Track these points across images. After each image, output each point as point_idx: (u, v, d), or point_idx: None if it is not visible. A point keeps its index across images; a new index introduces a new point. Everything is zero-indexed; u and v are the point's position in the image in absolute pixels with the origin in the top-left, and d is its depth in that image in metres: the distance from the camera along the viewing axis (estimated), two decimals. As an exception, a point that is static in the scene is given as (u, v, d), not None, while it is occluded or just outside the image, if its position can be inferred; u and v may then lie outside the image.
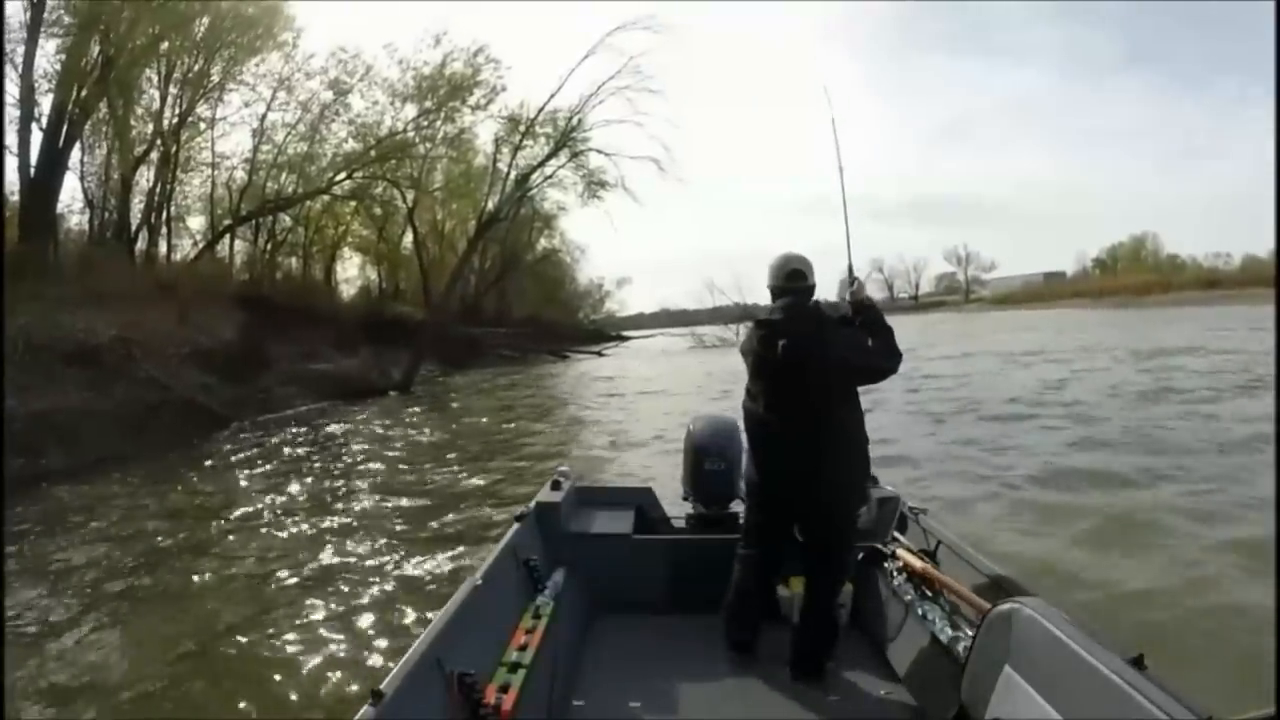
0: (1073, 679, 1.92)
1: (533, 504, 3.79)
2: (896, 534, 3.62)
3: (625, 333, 71.38)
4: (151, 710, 3.97)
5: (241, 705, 4.03)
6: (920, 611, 3.06)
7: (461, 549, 6.42)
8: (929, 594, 3.11)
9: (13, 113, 18.71)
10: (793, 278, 3.18)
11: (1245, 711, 1.57)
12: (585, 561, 3.64)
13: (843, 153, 3.64)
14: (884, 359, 3.06)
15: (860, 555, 3.60)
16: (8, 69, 18.55)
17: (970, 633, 2.61)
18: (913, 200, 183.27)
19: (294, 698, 4.09)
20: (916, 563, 3.25)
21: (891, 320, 3.18)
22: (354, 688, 4.14)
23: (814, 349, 3.01)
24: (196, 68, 24.09)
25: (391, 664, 4.19)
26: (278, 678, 4.31)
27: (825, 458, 3.03)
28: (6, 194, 19.21)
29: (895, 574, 3.34)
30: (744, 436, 3.40)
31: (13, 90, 18.72)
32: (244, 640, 4.83)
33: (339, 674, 4.32)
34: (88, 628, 5.11)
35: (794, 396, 3.05)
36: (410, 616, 5.12)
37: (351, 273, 41.02)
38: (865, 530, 3.70)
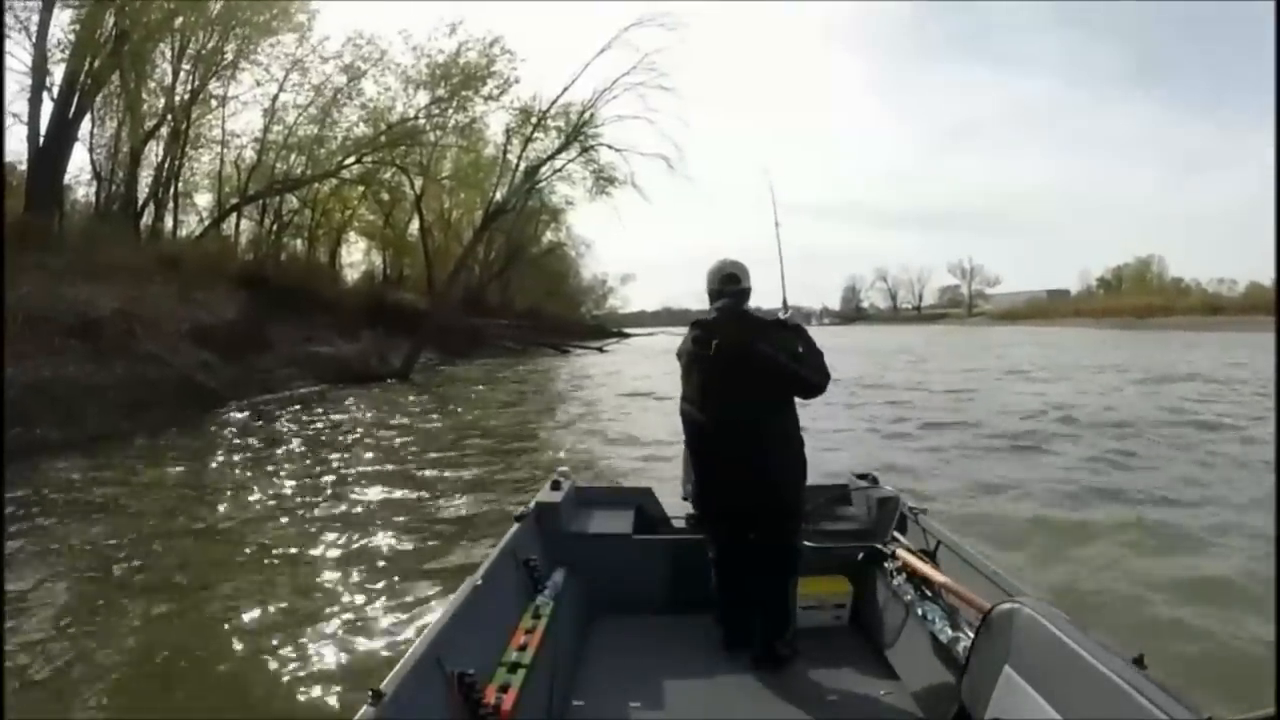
0: (1073, 679, 1.92)
1: (533, 504, 3.76)
2: (896, 534, 3.60)
3: (627, 330, 71.51)
4: (136, 700, 3.91)
5: (229, 697, 3.97)
6: (920, 611, 3.04)
7: (451, 541, 6.40)
8: (929, 594, 3.09)
9: (24, 81, 18.74)
10: (728, 281, 3.26)
11: (1245, 711, 1.55)
12: (585, 561, 3.61)
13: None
14: (813, 373, 3.12)
15: (860, 555, 3.60)
16: (20, 37, 18.58)
17: (970, 633, 2.60)
18: (916, 205, 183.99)
19: (284, 686, 4.04)
20: (916, 563, 3.23)
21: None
22: (332, 676, 4.13)
23: (746, 347, 3.07)
24: (210, 45, 24.15)
25: (377, 648, 4.27)
26: (267, 665, 4.25)
27: (763, 456, 3.09)
28: (14, 163, 19.26)
29: (895, 574, 3.31)
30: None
31: (25, 58, 18.73)
32: (232, 627, 4.77)
33: (327, 663, 4.27)
34: (70, 611, 4.99)
35: (729, 395, 3.10)
36: (397, 602, 5.09)
37: (356, 257, 41.17)
38: (865, 530, 3.72)
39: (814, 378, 3.11)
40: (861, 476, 4.06)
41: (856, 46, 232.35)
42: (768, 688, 3.01)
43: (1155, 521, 6.83)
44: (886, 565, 3.41)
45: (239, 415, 14.63)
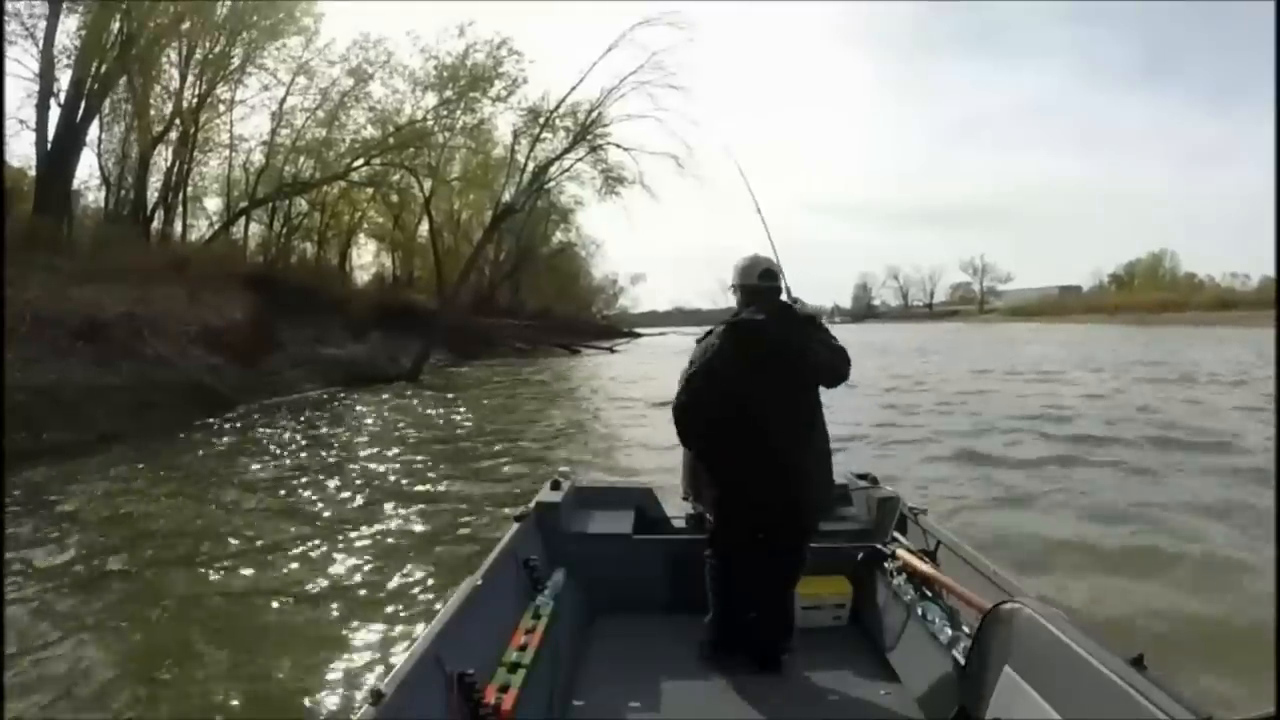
0: (1073, 679, 1.92)
1: (533, 504, 3.77)
2: (896, 534, 3.59)
3: (638, 329, 71.57)
4: (136, 700, 3.88)
5: (228, 698, 3.93)
6: (920, 611, 3.04)
7: (456, 544, 6.34)
8: (929, 594, 3.09)
9: (31, 87, 18.85)
10: (766, 277, 3.14)
11: (1245, 711, 1.49)
12: (585, 561, 3.61)
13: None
14: (844, 365, 3.07)
15: (860, 555, 3.60)
16: (26, 43, 18.71)
17: (970, 633, 2.61)
18: (925, 203, 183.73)
19: (284, 691, 4.01)
20: (916, 563, 3.22)
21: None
22: (338, 677, 4.10)
23: (800, 348, 3.00)
24: (217, 49, 24.21)
25: (379, 655, 4.22)
26: (265, 670, 4.22)
27: (809, 457, 3.04)
28: (24, 168, 19.39)
29: (895, 574, 3.31)
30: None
31: (32, 64, 18.84)
32: (233, 629, 4.75)
33: (327, 667, 4.22)
34: (67, 611, 4.97)
35: (780, 398, 3.01)
36: (398, 602, 5.08)
37: (366, 259, 41.41)
38: (865, 530, 3.73)
39: (845, 369, 3.07)
40: (861, 476, 4.05)
41: (865, 44, 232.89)
42: (768, 688, 3.00)
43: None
44: (886, 565, 3.41)
45: (247, 418, 14.63)
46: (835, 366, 3.04)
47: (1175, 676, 1.84)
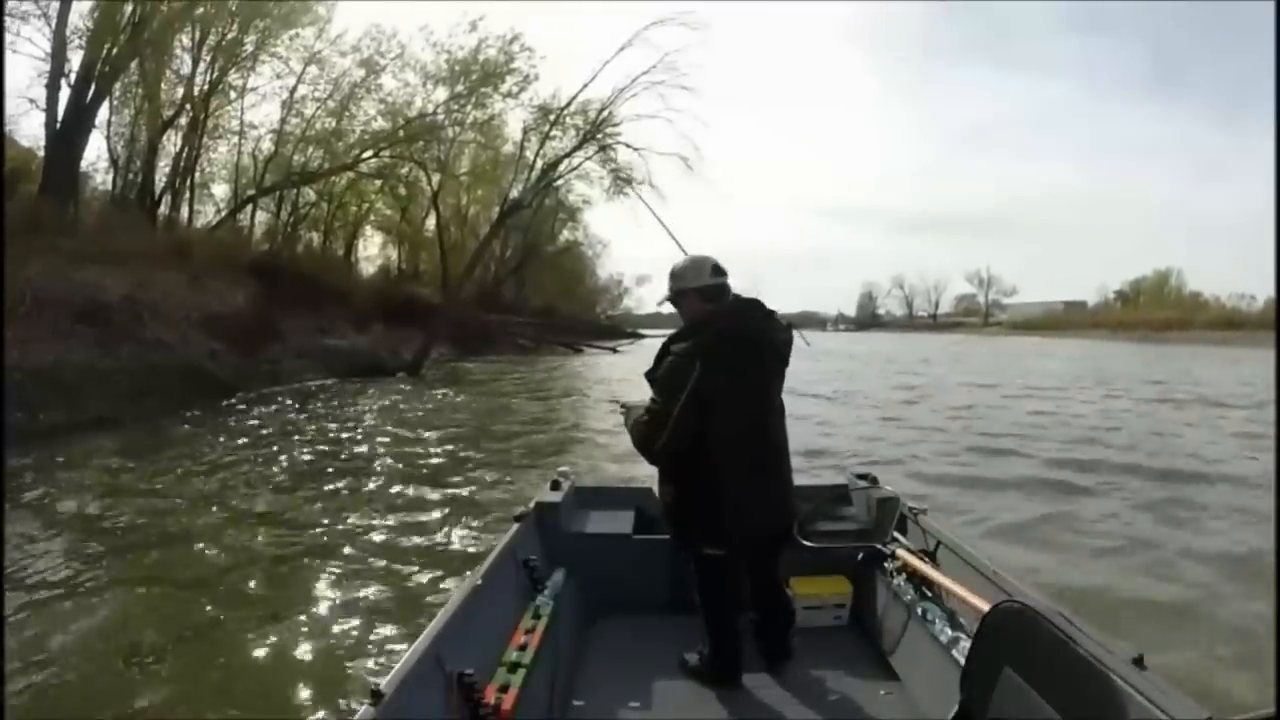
0: (1073, 679, 1.90)
1: (532, 504, 3.76)
2: (896, 534, 3.58)
3: (641, 330, 71.52)
4: (130, 697, 3.80)
5: (224, 694, 3.87)
6: (920, 611, 3.05)
7: (450, 542, 6.30)
8: (929, 594, 3.10)
9: (42, 66, 18.87)
10: (718, 272, 2.92)
11: (1245, 711, 1.48)
12: (585, 561, 3.61)
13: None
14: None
15: (860, 555, 3.60)
16: (40, 22, 18.72)
17: (970, 633, 2.61)
18: (931, 209, 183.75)
19: (280, 683, 3.96)
20: (916, 563, 3.23)
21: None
22: (328, 672, 4.05)
23: (782, 341, 2.91)
24: (230, 36, 24.23)
25: (374, 648, 4.16)
26: (254, 663, 4.17)
27: (786, 454, 3.00)
28: (33, 148, 19.41)
29: (895, 574, 3.32)
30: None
31: (44, 44, 18.87)
32: (223, 621, 4.69)
33: (319, 664, 4.16)
34: (59, 605, 4.87)
35: (771, 402, 2.94)
36: (392, 600, 5.01)
37: (372, 251, 41.47)
38: (865, 530, 3.68)
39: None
40: (861, 477, 3.99)
41: (873, 47, 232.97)
42: (768, 687, 3.00)
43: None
44: (886, 565, 3.41)
45: (243, 406, 14.62)
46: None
47: (1175, 676, 1.82)
